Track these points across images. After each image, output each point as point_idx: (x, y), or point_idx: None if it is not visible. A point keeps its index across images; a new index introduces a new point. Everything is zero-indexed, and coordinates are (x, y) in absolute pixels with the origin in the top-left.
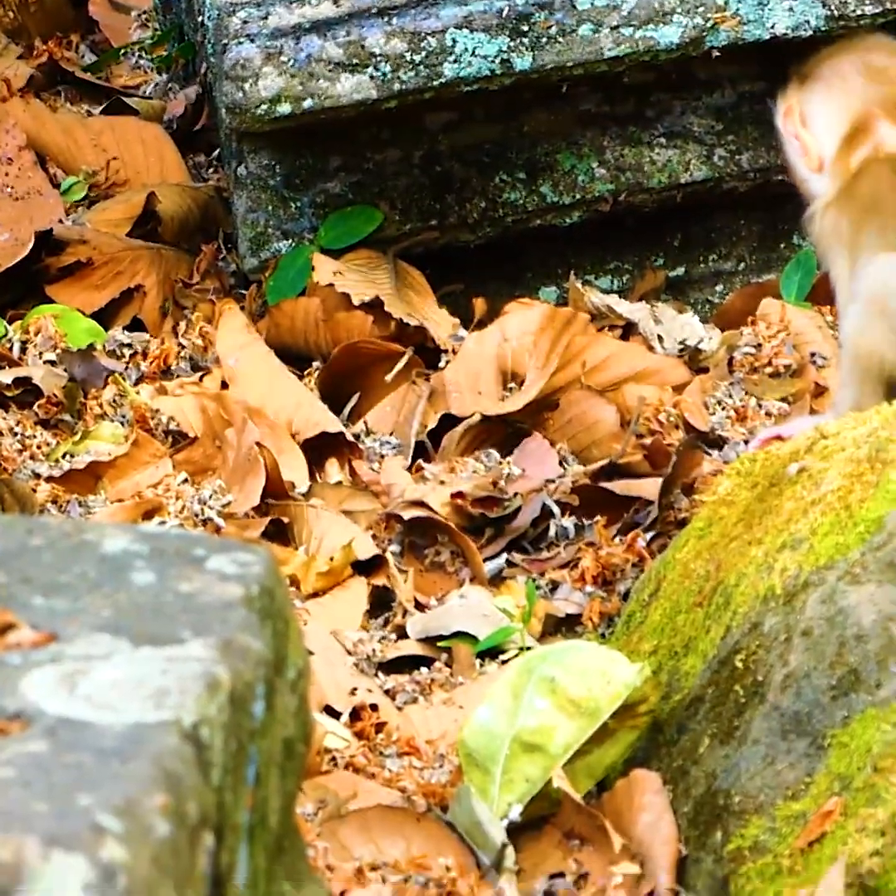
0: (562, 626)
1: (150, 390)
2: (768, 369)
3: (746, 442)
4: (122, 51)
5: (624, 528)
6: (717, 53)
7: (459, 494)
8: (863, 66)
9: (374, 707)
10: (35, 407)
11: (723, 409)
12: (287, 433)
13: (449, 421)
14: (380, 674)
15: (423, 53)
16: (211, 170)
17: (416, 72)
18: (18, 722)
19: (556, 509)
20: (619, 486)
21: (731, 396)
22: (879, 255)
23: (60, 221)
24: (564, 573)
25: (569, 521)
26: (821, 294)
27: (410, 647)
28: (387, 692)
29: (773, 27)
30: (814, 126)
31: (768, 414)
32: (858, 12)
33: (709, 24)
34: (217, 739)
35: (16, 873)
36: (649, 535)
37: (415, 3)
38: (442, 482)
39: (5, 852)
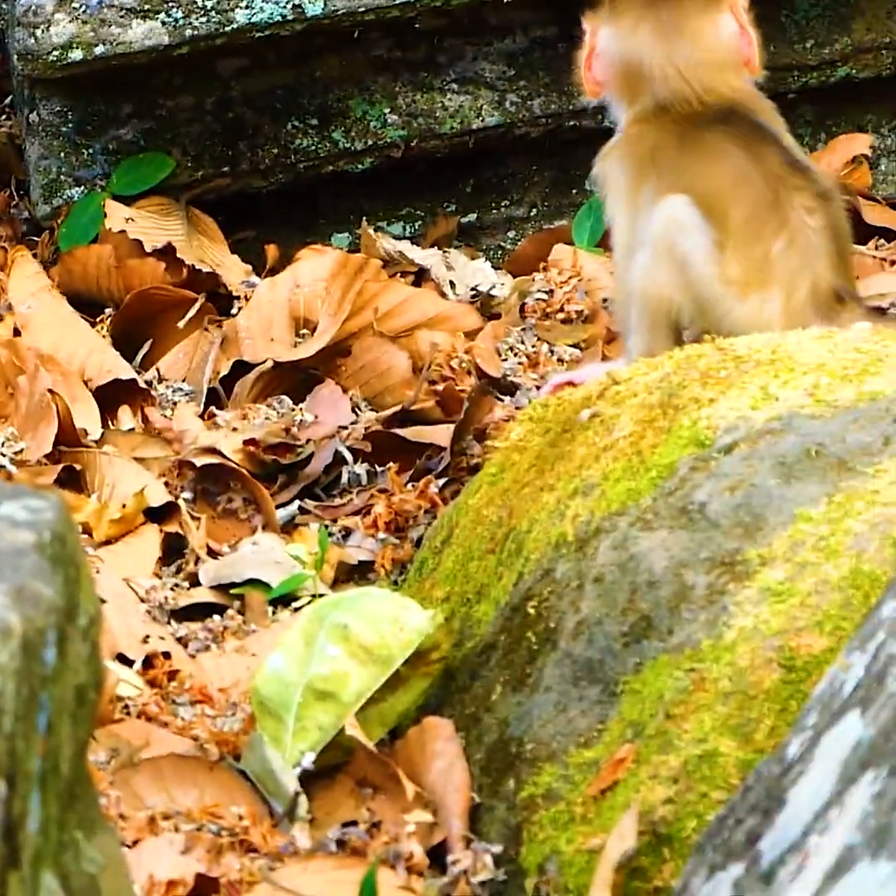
0: (354, 574)
1: None
2: (560, 315)
3: (538, 388)
4: None
5: (416, 475)
6: None
7: (252, 441)
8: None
9: (166, 655)
10: None
11: (515, 355)
12: (79, 380)
13: (241, 367)
14: (172, 621)
15: None
16: (3, 116)
17: (207, 18)
18: None
19: (348, 456)
20: (411, 433)
21: (523, 342)
22: (667, 198)
23: None
24: (357, 520)
25: (361, 468)
26: None
27: (203, 595)
28: (179, 640)
29: None
30: (605, 55)
31: (560, 360)
32: None
33: None
34: (8, 687)
35: None
36: (442, 481)
37: None
38: (234, 429)
39: None
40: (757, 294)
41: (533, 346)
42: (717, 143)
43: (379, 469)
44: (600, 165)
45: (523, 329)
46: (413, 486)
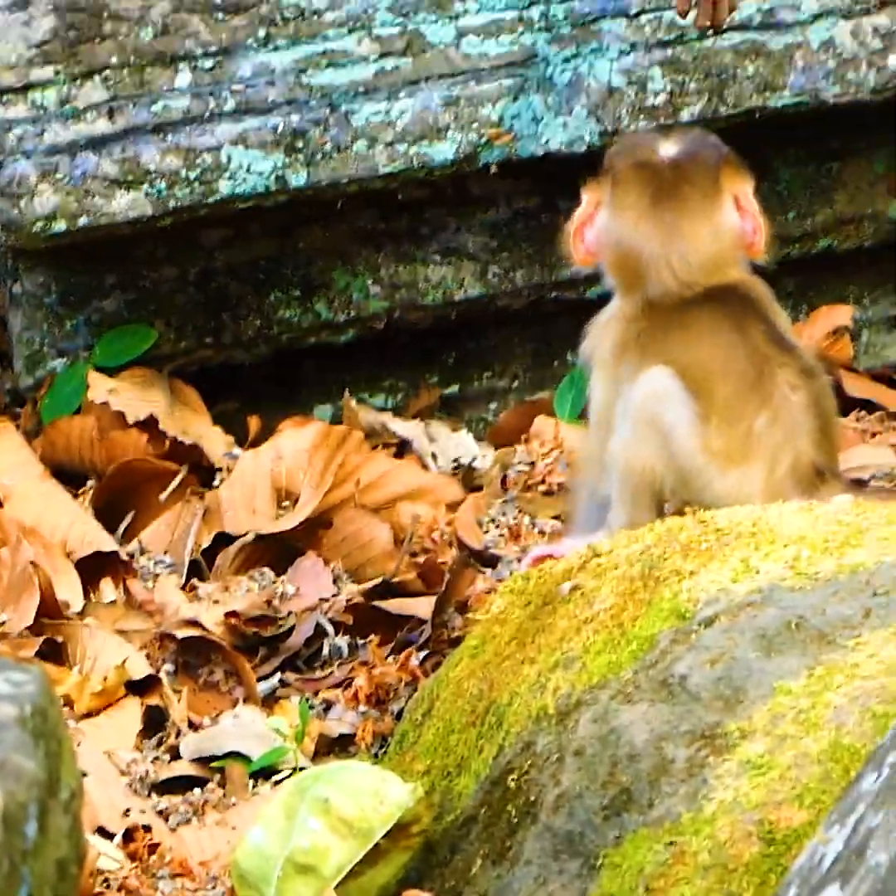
0: (335, 746)
1: None
2: (542, 487)
3: (520, 560)
4: None
5: (397, 647)
6: (493, 169)
7: (233, 613)
8: None
9: (147, 828)
10: None
11: (497, 527)
12: (62, 552)
13: (223, 539)
14: (153, 794)
15: (198, 170)
16: None
17: (191, 189)
18: None
19: (330, 628)
20: (393, 605)
21: (504, 514)
22: (649, 370)
23: None
24: (338, 693)
25: (343, 641)
26: None
27: (184, 768)
28: (160, 813)
29: (547, 143)
30: (603, 236)
31: (542, 532)
32: (632, 128)
33: (483, 141)
34: None
35: None
36: (423, 653)
37: (190, 120)
38: (216, 601)
39: None
40: (739, 468)
41: (514, 518)
42: (704, 319)
43: (360, 642)
44: (590, 339)
45: (505, 501)
46: (394, 658)
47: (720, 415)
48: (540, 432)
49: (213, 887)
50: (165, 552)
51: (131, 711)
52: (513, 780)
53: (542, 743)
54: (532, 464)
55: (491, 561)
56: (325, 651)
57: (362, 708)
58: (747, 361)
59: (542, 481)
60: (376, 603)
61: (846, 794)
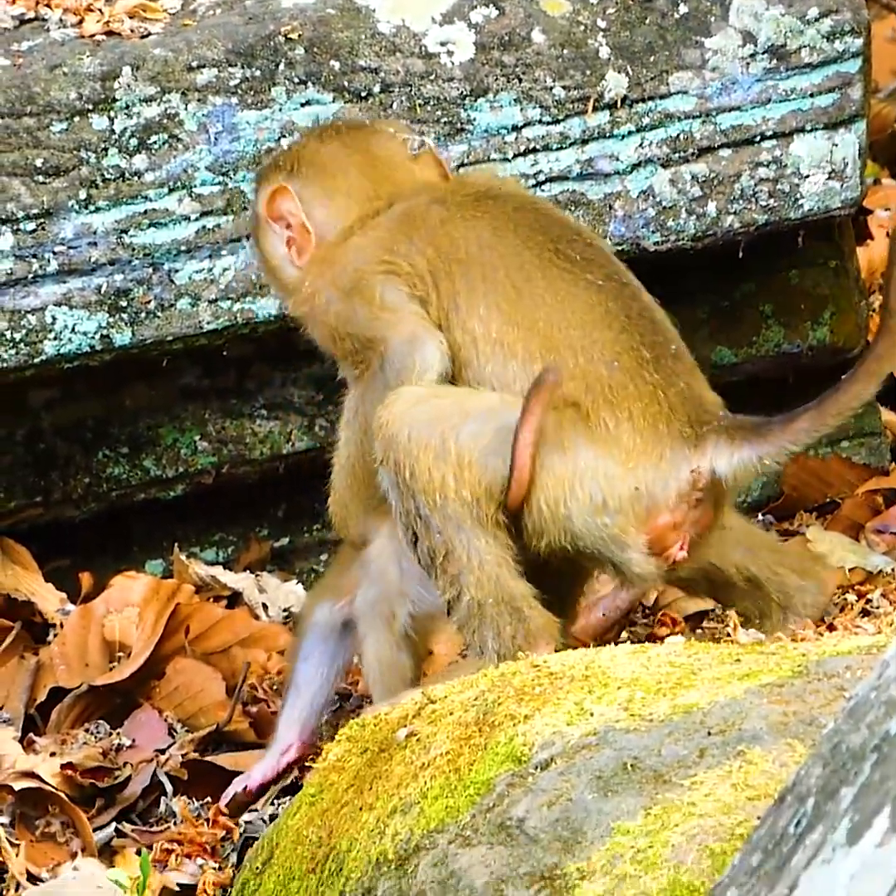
0: None
1: None
2: None
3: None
4: None
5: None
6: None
7: (70, 765)
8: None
9: None
10: None
11: None
12: None
13: (59, 692)
14: None
15: (23, 331)
16: None
17: (16, 350)
18: None
19: (166, 781)
20: (227, 761)
21: None
22: None
23: None
24: (175, 844)
25: (179, 792)
26: None
27: None
28: None
29: None
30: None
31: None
32: None
33: None
34: None
35: None
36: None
37: (13, 282)
38: (52, 753)
39: None
40: None
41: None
42: None
43: (196, 802)
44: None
45: None
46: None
47: None
48: None
49: None
50: (1, 707)
51: None
52: None
53: (383, 888)
54: None
55: None
56: (162, 802)
57: (199, 860)
58: None
59: None
60: (210, 757)
61: None
